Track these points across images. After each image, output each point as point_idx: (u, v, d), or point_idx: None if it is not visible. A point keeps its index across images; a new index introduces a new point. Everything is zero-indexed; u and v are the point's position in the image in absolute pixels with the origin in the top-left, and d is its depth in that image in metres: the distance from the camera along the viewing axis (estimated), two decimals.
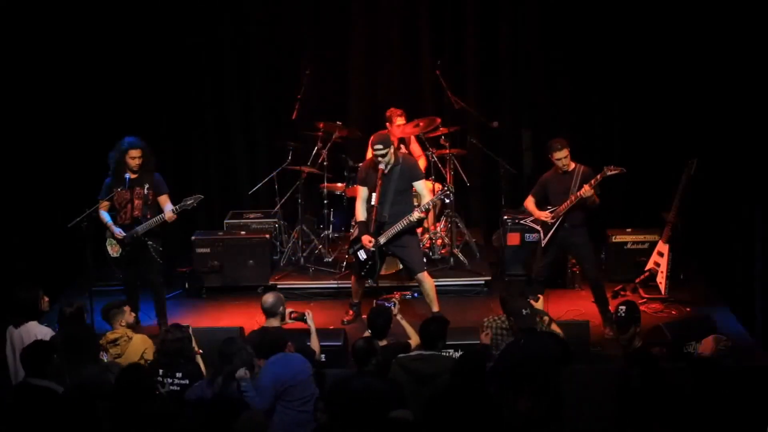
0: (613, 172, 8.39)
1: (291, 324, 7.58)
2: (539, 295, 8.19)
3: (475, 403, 5.90)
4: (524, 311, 7.02)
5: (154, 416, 5.96)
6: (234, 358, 6.52)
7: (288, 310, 7.60)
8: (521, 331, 6.95)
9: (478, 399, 5.97)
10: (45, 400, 6.21)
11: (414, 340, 7.38)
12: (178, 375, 6.77)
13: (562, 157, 8.63)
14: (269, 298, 7.48)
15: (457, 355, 7.65)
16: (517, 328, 7.01)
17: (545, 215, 8.75)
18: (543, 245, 8.81)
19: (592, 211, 8.69)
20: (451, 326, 7.17)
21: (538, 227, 8.87)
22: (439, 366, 6.69)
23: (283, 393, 6.56)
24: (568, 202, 8.57)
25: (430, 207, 8.86)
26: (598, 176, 8.45)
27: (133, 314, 7.74)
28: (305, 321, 7.53)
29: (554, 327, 7.49)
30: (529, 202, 8.94)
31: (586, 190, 8.44)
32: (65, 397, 6.28)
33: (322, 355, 7.78)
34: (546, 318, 7.51)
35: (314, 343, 7.46)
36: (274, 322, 7.42)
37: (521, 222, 9.46)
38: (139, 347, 7.38)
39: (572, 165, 8.69)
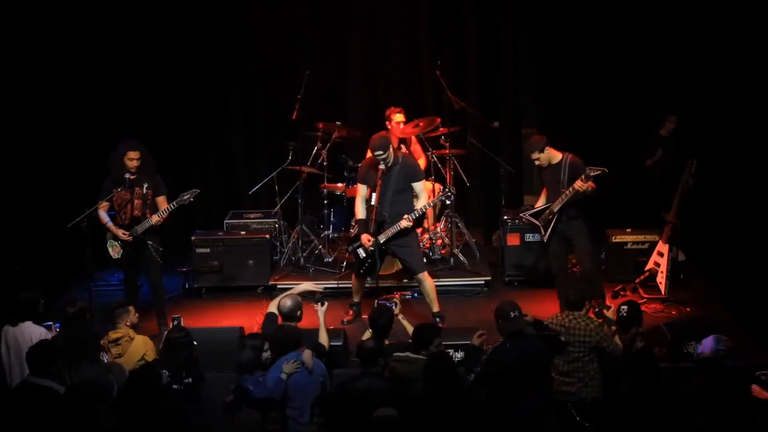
0: (596, 173, 8.24)
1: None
2: (610, 305, 7.63)
3: (459, 412, 5.89)
4: (512, 314, 6.88)
5: (167, 416, 5.95)
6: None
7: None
8: (509, 334, 6.73)
9: (461, 408, 5.94)
10: (45, 400, 6.22)
11: None
12: (183, 375, 6.75)
13: (533, 159, 8.58)
14: (287, 301, 7.28)
15: (458, 355, 7.66)
16: (505, 331, 6.75)
17: (542, 217, 8.64)
18: (545, 240, 8.72)
19: (587, 200, 8.49)
20: (451, 326, 7.13)
21: (537, 222, 8.73)
22: (415, 370, 6.54)
23: (288, 395, 6.57)
24: (562, 197, 8.45)
25: (422, 213, 8.70)
26: (584, 176, 8.27)
27: (137, 315, 7.73)
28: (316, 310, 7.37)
29: (617, 339, 7.08)
30: (543, 195, 8.85)
31: (580, 185, 8.27)
32: (65, 397, 6.28)
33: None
34: (613, 328, 7.15)
35: (322, 338, 7.30)
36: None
37: (522, 219, 9.25)
38: (140, 348, 7.35)
39: (558, 156, 8.56)
